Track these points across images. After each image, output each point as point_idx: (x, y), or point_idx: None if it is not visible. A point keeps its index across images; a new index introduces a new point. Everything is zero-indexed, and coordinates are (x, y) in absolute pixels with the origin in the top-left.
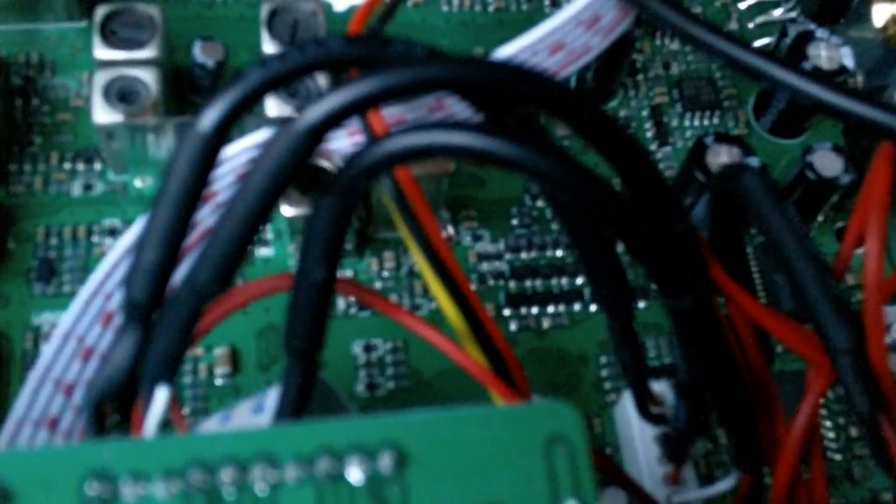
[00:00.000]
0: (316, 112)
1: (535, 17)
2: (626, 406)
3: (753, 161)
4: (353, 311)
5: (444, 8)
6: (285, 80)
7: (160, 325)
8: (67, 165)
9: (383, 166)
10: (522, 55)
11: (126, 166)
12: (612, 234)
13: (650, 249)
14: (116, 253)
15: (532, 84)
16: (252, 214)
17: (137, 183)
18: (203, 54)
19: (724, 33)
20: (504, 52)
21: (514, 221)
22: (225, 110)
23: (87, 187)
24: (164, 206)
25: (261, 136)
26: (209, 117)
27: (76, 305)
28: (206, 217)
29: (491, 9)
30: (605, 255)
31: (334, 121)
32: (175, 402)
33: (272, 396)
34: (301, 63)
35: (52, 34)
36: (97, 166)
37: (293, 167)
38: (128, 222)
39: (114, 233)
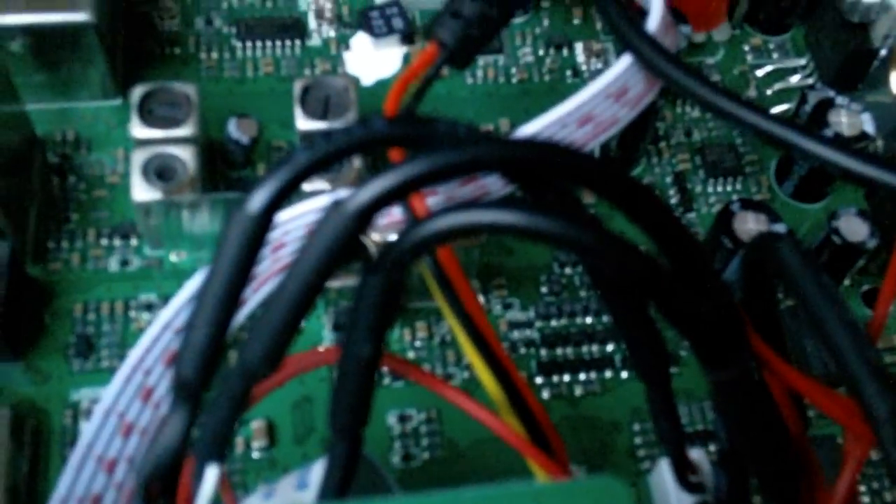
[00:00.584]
0: (365, 195)
1: (557, 86)
2: (663, 475)
3: (780, 227)
4: (386, 381)
5: (469, 80)
6: (332, 161)
7: (211, 404)
8: (104, 241)
9: (430, 245)
10: (552, 127)
11: (162, 241)
12: (658, 309)
13: (695, 323)
14: (155, 329)
15: (577, 164)
16: (302, 296)
17: (173, 257)
18: (238, 130)
19: (748, 104)
20: (535, 124)
21: (544, 289)
22: (273, 192)
23: (124, 263)
24: (213, 287)
25: (295, 211)
26: (258, 199)
27: (117, 381)
28: None
29: (514, 80)
30: (644, 327)
31: (383, 203)
32: (225, 480)
33: (316, 472)
34: (347, 145)
35: (88, 112)
36: (133, 242)
37: (343, 249)
38: (164, 297)
39: (150, 307)
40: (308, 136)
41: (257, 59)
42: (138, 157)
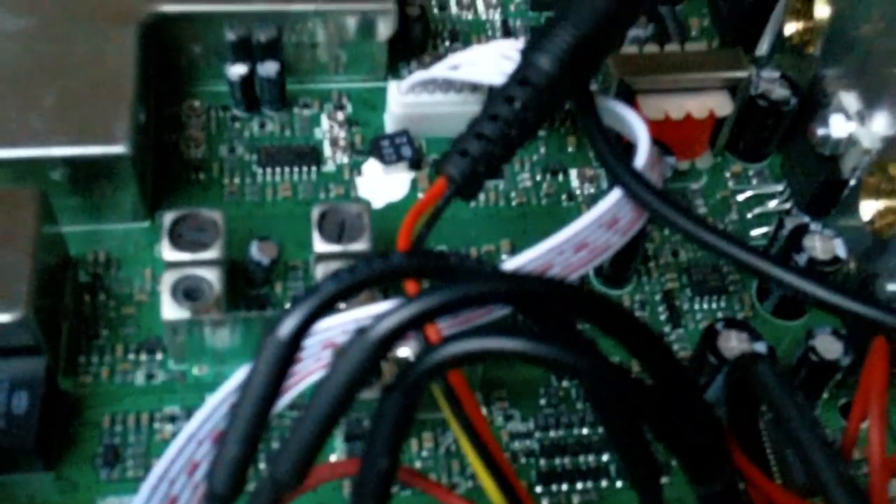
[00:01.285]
0: (388, 324)
1: (553, 209)
2: None
3: (761, 346)
4: (394, 489)
5: (472, 203)
6: (355, 291)
7: None
8: (131, 356)
9: (445, 369)
10: (552, 253)
11: (185, 356)
12: (648, 427)
13: (682, 440)
14: (180, 440)
15: (574, 298)
16: (329, 415)
17: (195, 371)
18: (259, 253)
19: (728, 235)
20: (536, 250)
21: (543, 402)
22: (302, 319)
23: (150, 376)
24: (245, 405)
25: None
26: (288, 326)
27: (143, 491)
28: None
29: (514, 203)
30: (636, 440)
31: (403, 332)
32: None
33: None
34: (368, 276)
35: (118, 234)
36: (158, 356)
37: (366, 373)
38: (186, 409)
39: (174, 419)
40: (324, 257)
41: (276, 184)
42: (168, 279)
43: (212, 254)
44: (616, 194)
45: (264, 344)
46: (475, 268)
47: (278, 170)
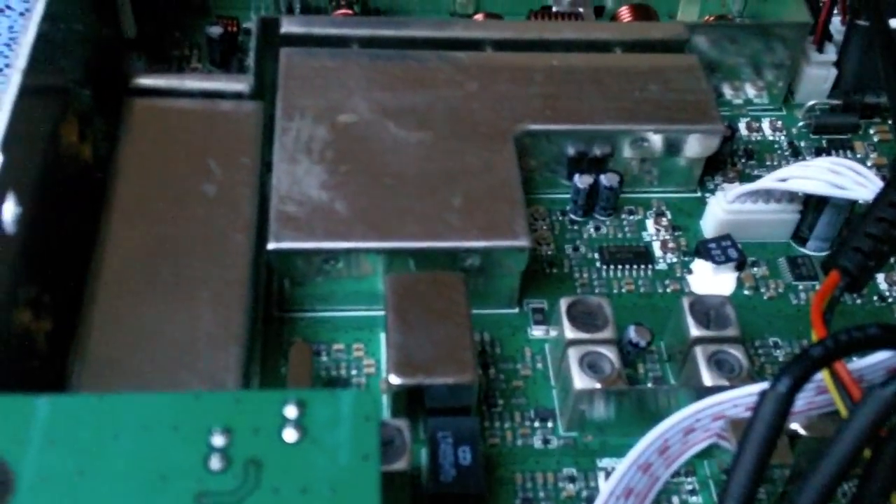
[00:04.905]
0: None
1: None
2: None
3: None
4: None
5: (795, 300)
6: (836, 357)
7: None
8: (528, 423)
9: None
10: None
11: (579, 424)
12: None
13: None
14: (604, 495)
15: None
16: (851, 452)
17: (583, 439)
18: (637, 335)
19: None
20: None
21: None
22: (795, 377)
23: (545, 441)
24: (750, 448)
25: (704, 403)
26: (785, 382)
27: None
28: None
29: None
30: None
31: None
32: None
33: None
34: (848, 345)
35: (494, 318)
36: (549, 424)
37: (886, 419)
38: (583, 471)
39: (573, 480)
40: (700, 341)
41: (620, 279)
42: (574, 354)
43: (606, 334)
44: None
45: (765, 398)
46: None
47: (619, 267)
